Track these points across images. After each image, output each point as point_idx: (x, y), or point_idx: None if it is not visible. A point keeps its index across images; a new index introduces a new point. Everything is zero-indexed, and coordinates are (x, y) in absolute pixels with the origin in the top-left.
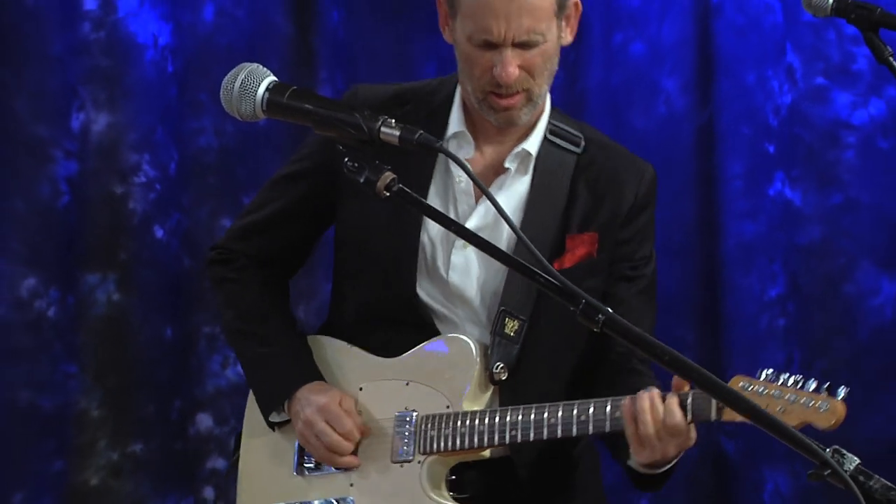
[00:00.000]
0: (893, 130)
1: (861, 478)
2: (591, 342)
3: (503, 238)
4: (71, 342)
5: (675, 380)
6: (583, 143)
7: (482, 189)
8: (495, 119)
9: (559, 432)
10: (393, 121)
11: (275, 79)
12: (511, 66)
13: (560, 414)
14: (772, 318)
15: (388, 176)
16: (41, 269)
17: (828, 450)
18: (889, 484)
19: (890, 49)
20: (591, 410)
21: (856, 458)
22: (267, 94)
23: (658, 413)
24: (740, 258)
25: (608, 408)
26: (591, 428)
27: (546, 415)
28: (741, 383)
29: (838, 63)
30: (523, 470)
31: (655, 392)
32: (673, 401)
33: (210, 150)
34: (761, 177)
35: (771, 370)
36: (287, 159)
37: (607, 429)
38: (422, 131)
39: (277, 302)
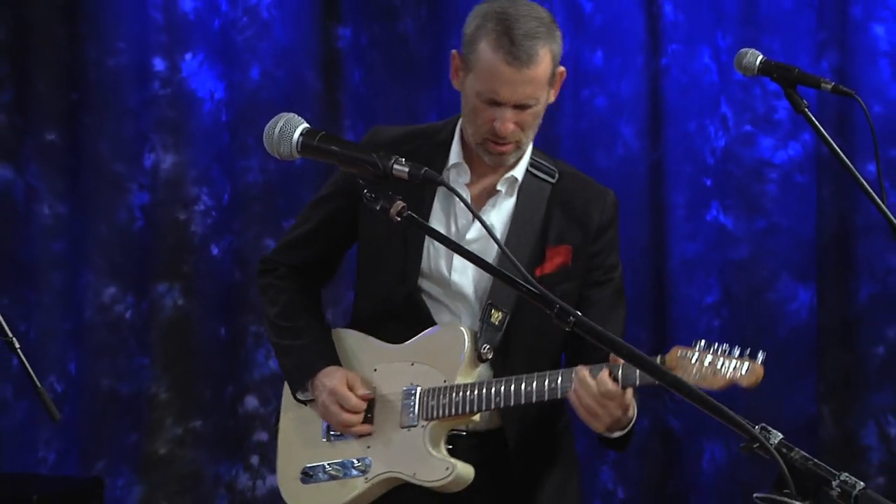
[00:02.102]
0: (808, 168)
1: (784, 450)
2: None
3: (494, 247)
4: (144, 339)
5: (612, 356)
6: (557, 174)
7: (474, 214)
8: (489, 160)
9: (533, 398)
10: (403, 159)
11: (307, 125)
12: (509, 122)
13: (542, 385)
14: (709, 320)
15: (399, 205)
16: (120, 280)
17: (756, 427)
18: (807, 455)
19: (805, 102)
20: (555, 384)
21: (779, 433)
22: (301, 138)
23: (591, 386)
24: (683, 272)
25: (559, 379)
26: (555, 396)
27: (523, 385)
28: (679, 352)
29: (763, 113)
30: (512, 440)
31: (585, 370)
32: (604, 373)
33: (256, 184)
34: (700, 206)
35: (704, 341)
36: (318, 192)
37: (558, 396)
38: (426, 168)
39: (310, 303)
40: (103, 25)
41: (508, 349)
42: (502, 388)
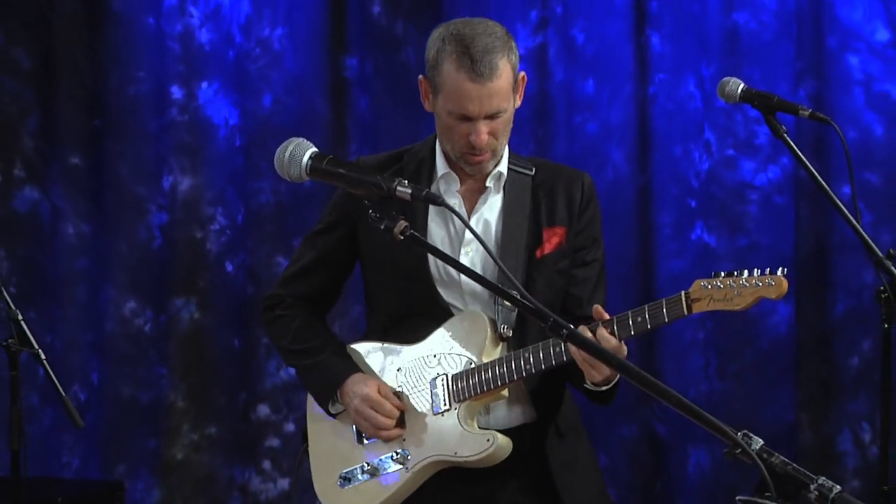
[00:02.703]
0: (787, 190)
1: (765, 455)
2: (565, 304)
3: (491, 242)
4: (162, 350)
5: (595, 311)
6: (533, 168)
7: (469, 229)
8: (469, 170)
9: (553, 363)
10: (406, 181)
11: (316, 150)
12: (483, 134)
13: (550, 351)
14: (694, 332)
15: (402, 224)
16: (140, 295)
17: (739, 433)
18: (786, 460)
19: (784, 128)
20: (560, 347)
21: (760, 439)
22: (310, 162)
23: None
24: (670, 287)
25: (562, 348)
26: (562, 359)
27: (540, 354)
28: (702, 283)
29: (744, 138)
30: (541, 409)
31: (585, 327)
32: (602, 329)
33: (268, 205)
34: (685, 225)
35: (724, 272)
36: (312, 227)
37: (564, 358)
38: (428, 189)
39: (319, 325)
40: (124, 55)
41: (524, 326)
42: (521, 360)
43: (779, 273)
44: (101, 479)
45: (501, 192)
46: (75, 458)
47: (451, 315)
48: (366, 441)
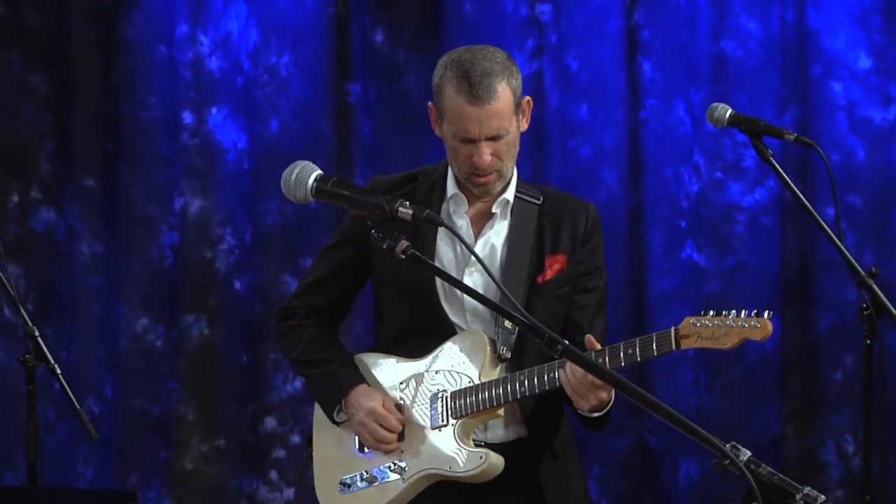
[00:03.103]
0: (773, 211)
1: (752, 466)
2: (562, 328)
3: (496, 266)
4: (173, 365)
5: (588, 341)
6: (541, 197)
7: (471, 252)
8: (476, 191)
9: (546, 387)
10: (407, 202)
11: (321, 172)
12: (485, 155)
13: (544, 376)
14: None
15: (404, 244)
16: (151, 312)
17: (727, 445)
18: (772, 470)
19: (770, 151)
20: (553, 373)
21: (748, 451)
22: (315, 184)
23: (579, 373)
24: (661, 304)
25: (556, 373)
26: (555, 384)
27: (535, 378)
28: (691, 321)
29: (732, 162)
30: (532, 426)
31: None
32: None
33: (275, 225)
34: (676, 245)
35: (713, 311)
36: (330, 233)
37: (557, 383)
38: (428, 211)
39: (329, 337)
40: (137, 82)
41: (522, 349)
42: (516, 382)
43: (765, 316)
44: (115, 488)
45: (508, 217)
46: (90, 469)
47: (454, 333)
48: (366, 450)
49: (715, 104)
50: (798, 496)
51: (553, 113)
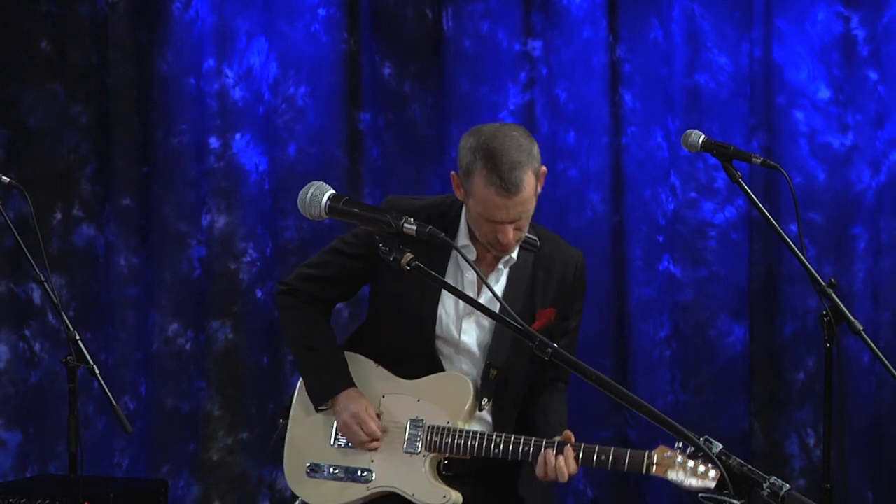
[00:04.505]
0: (742, 227)
1: (724, 457)
2: (536, 375)
3: (496, 306)
4: (201, 366)
5: (565, 435)
6: (538, 240)
7: (478, 273)
8: (496, 253)
9: (519, 459)
10: (412, 219)
11: (334, 191)
12: (509, 234)
13: (519, 449)
14: (661, 351)
15: (409, 256)
16: (181, 318)
17: (701, 438)
18: (742, 461)
19: (739, 173)
20: (529, 449)
21: (720, 444)
22: (328, 202)
23: (551, 466)
24: (640, 312)
25: (531, 450)
26: (528, 459)
27: (510, 447)
28: (666, 453)
29: (705, 183)
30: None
31: (552, 451)
32: (569, 451)
33: (293, 240)
34: (654, 258)
35: (681, 446)
36: (344, 239)
37: (530, 459)
38: (431, 226)
39: (326, 327)
40: (169, 112)
41: (497, 398)
42: (493, 443)
43: (711, 475)
44: (148, 477)
45: (507, 270)
46: (125, 460)
47: (440, 367)
48: (339, 444)
49: (689, 130)
50: (765, 485)
51: (543, 139)
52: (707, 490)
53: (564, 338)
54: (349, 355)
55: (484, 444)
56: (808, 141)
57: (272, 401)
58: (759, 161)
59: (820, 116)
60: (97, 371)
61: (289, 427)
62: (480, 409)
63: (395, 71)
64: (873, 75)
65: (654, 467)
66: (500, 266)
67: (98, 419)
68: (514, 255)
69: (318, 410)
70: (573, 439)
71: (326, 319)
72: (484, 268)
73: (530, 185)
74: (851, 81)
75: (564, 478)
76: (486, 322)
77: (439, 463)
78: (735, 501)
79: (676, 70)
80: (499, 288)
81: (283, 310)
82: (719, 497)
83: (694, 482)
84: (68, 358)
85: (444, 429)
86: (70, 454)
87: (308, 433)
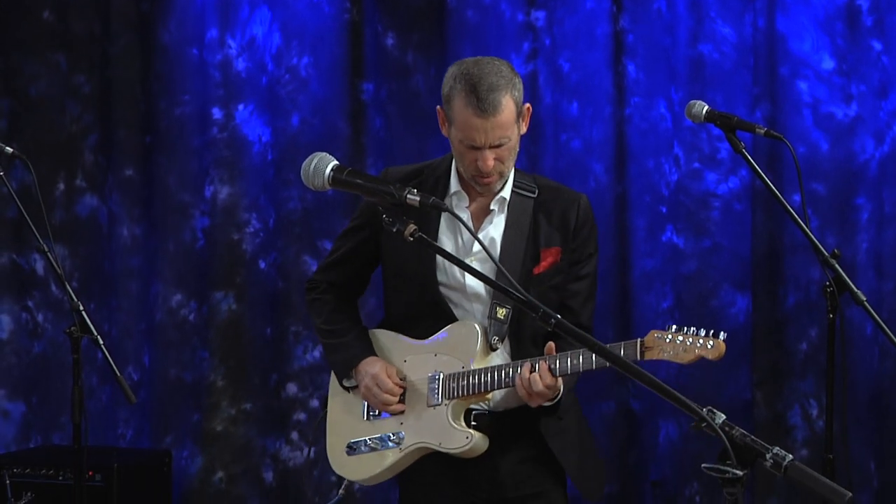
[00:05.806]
0: (745, 198)
1: (727, 428)
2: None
3: (494, 255)
4: (204, 337)
5: (548, 346)
6: (536, 189)
7: (473, 235)
8: (480, 190)
9: (512, 382)
10: (415, 190)
11: (337, 162)
12: (489, 160)
13: (515, 372)
14: (664, 322)
15: (412, 227)
16: (185, 289)
17: (704, 409)
18: (745, 432)
19: (743, 144)
20: (514, 369)
21: (723, 414)
22: (332, 173)
23: (527, 380)
24: (643, 283)
25: (520, 370)
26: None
27: (512, 372)
28: (656, 335)
29: (708, 153)
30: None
31: (528, 365)
32: (542, 365)
33: (296, 210)
34: (657, 229)
35: (675, 326)
36: (346, 218)
37: (513, 385)
38: (434, 197)
39: (349, 310)
40: (172, 82)
41: (519, 335)
42: (501, 372)
43: (720, 337)
44: (152, 447)
45: (505, 212)
46: (129, 430)
47: (454, 319)
48: (372, 417)
49: (692, 101)
50: (768, 455)
51: (547, 110)
52: (704, 359)
53: (578, 282)
54: (372, 332)
55: (495, 376)
56: (811, 111)
57: (275, 371)
58: (762, 132)
59: (823, 87)
60: (101, 341)
61: (327, 416)
62: (494, 349)
63: (397, 41)
64: (877, 45)
65: (648, 351)
66: (493, 206)
67: (102, 390)
68: (506, 195)
69: (345, 388)
70: (554, 352)
71: (346, 302)
72: (478, 212)
73: (509, 109)
74: (855, 52)
75: (540, 388)
76: (489, 262)
77: (467, 413)
78: (738, 472)
79: (680, 40)
80: (497, 232)
81: (307, 305)
82: (722, 467)
83: (692, 356)
84: (72, 328)
85: (458, 374)
86: (74, 424)
87: (343, 415)
